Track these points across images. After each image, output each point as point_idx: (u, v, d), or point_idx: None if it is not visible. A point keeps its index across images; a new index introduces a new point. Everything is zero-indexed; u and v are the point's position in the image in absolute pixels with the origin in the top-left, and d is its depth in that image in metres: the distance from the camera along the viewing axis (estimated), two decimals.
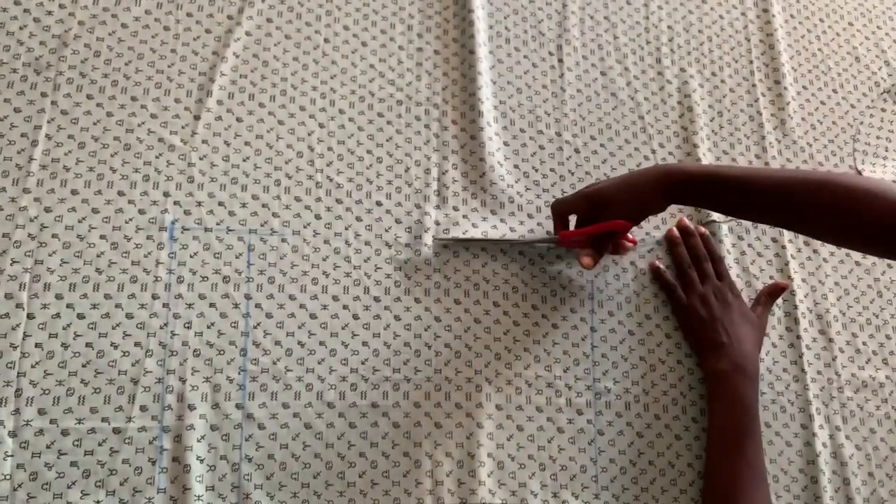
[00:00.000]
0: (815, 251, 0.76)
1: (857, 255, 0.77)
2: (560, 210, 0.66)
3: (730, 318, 0.68)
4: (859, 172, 0.81)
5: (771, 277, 0.74)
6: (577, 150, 0.75)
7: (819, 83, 0.85)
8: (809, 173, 0.57)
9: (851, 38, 0.89)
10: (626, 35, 0.81)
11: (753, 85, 0.83)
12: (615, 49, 0.80)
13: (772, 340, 0.72)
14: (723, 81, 0.82)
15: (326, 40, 0.74)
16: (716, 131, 0.79)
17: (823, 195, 0.55)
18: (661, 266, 0.72)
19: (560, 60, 0.78)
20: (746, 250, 0.75)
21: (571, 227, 0.67)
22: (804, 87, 0.84)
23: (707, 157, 0.77)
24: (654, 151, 0.77)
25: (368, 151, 0.71)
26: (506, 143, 0.74)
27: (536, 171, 0.73)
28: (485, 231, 0.69)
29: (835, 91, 0.85)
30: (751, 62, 0.84)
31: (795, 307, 0.73)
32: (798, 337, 0.72)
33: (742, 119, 0.81)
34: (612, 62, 0.80)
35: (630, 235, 0.69)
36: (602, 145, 0.76)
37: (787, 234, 0.76)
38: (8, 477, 0.55)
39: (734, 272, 0.73)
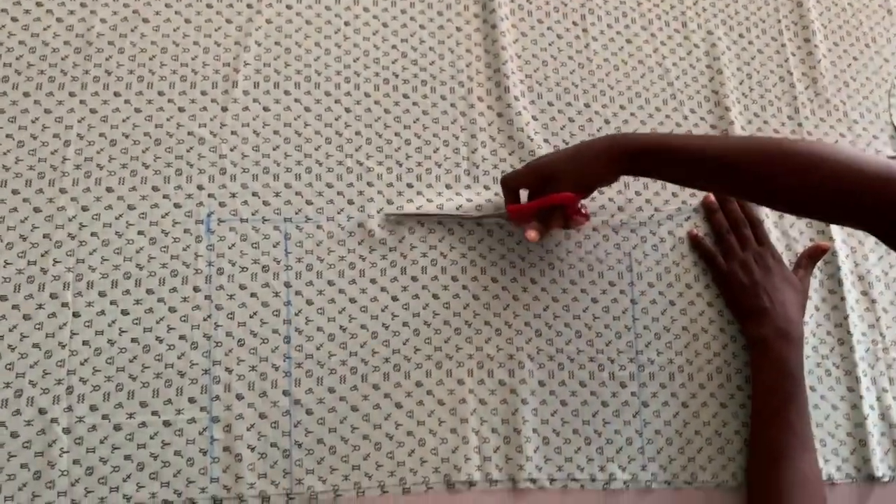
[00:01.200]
0: None
1: None
2: (509, 184, 0.64)
3: (771, 282, 0.67)
4: (895, 127, 0.79)
5: (811, 240, 0.73)
6: (607, 121, 0.74)
7: (851, 38, 0.83)
8: (757, 140, 0.55)
9: None
10: (650, 1, 0.80)
11: (783, 44, 0.81)
12: (640, 15, 0.79)
13: (815, 303, 0.71)
14: (751, 42, 0.80)
15: (347, 23, 0.73)
16: (746, 94, 0.78)
17: (766, 162, 0.53)
18: (700, 234, 0.71)
19: (584, 30, 0.77)
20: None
21: (524, 201, 0.65)
22: (835, 44, 0.82)
23: (738, 121, 0.76)
24: (685, 118, 0.75)
25: (396, 134, 0.70)
26: (534, 118, 0.73)
27: (567, 144, 0.73)
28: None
29: (867, 45, 0.83)
30: (779, 21, 0.82)
31: (838, 268, 0.72)
32: (842, 299, 0.71)
33: (772, 80, 0.79)
34: (637, 29, 0.78)
35: (583, 210, 0.66)
36: (632, 114, 0.75)
37: None
38: (66, 473, 0.56)
39: (773, 236, 0.72)
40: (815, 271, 0.71)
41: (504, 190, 0.64)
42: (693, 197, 0.72)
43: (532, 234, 0.62)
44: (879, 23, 0.84)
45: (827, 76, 0.80)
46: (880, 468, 0.66)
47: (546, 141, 0.72)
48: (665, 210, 0.72)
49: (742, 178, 0.55)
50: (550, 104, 0.74)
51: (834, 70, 0.81)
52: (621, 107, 0.75)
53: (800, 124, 0.78)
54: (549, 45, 0.76)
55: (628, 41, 0.78)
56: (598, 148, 0.60)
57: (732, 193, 0.57)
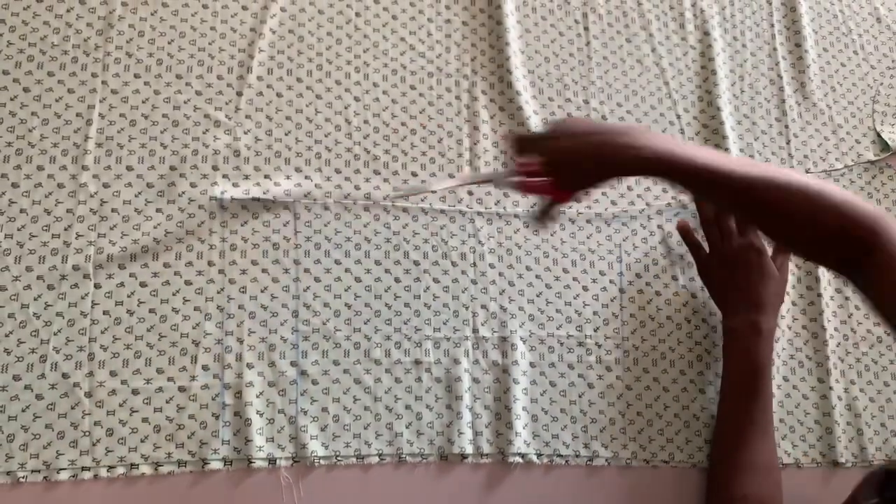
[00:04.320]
0: None
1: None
2: (525, 146, 0.57)
3: (749, 275, 0.69)
4: (878, 134, 0.83)
5: None
6: (604, 117, 0.78)
7: (840, 45, 0.86)
8: (779, 172, 0.52)
9: None
10: (650, 1, 0.83)
11: (774, 48, 0.84)
12: (639, 16, 0.82)
13: (792, 299, 0.75)
14: (744, 45, 0.84)
15: (358, 14, 0.76)
16: (737, 95, 0.81)
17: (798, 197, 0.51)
18: (690, 225, 0.73)
19: (586, 28, 0.80)
20: None
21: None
22: (825, 49, 0.85)
23: (728, 121, 0.79)
24: (678, 116, 0.79)
25: (403, 124, 0.74)
26: (535, 112, 0.76)
27: None
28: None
29: (855, 52, 0.86)
30: (772, 25, 0.85)
31: (815, 266, 0.76)
32: (819, 295, 0.75)
33: (763, 83, 0.83)
34: (636, 29, 0.82)
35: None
36: (628, 112, 0.78)
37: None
38: (87, 433, 0.60)
39: None
40: (794, 268, 0.75)
41: (517, 146, 0.57)
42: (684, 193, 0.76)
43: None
44: (868, 31, 0.88)
45: (815, 80, 0.84)
46: (844, 455, 0.71)
47: None
48: (655, 205, 0.75)
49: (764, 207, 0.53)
50: (551, 99, 0.77)
51: (822, 75, 0.84)
52: (618, 104, 0.78)
53: (787, 126, 0.81)
54: (552, 41, 0.79)
55: (628, 40, 0.81)
56: (629, 165, 0.53)
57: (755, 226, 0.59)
